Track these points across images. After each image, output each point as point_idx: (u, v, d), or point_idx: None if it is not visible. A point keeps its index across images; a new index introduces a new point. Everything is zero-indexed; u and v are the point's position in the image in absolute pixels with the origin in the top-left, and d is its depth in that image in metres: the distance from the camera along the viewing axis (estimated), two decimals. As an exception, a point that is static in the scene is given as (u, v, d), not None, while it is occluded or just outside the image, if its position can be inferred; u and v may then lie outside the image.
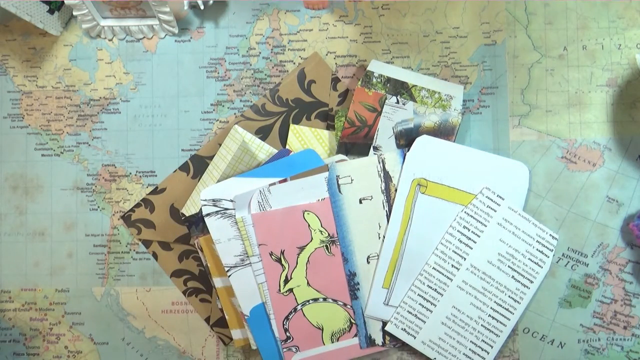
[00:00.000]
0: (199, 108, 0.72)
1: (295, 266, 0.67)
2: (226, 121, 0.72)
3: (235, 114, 0.72)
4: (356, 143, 0.68)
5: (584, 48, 0.70)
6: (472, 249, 0.67)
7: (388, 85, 0.68)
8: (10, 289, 0.73)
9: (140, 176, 0.73)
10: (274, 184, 0.66)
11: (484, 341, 0.67)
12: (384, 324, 0.68)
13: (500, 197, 0.67)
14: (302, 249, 0.67)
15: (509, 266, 0.67)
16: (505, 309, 0.67)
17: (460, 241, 0.67)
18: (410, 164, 0.67)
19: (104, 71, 0.73)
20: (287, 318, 0.67)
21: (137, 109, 0.73)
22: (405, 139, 0.68)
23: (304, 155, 0.67)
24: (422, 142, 0.67)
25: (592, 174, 0.69)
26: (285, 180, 0.66)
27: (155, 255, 0.72)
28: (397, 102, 0.68)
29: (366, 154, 0.68)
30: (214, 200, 0.66)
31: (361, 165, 0.67)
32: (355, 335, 0.68)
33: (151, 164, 0.73)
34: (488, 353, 0.67)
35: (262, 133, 0.71)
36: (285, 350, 0.67)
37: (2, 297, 0.73)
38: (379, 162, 0.67)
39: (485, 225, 0.67)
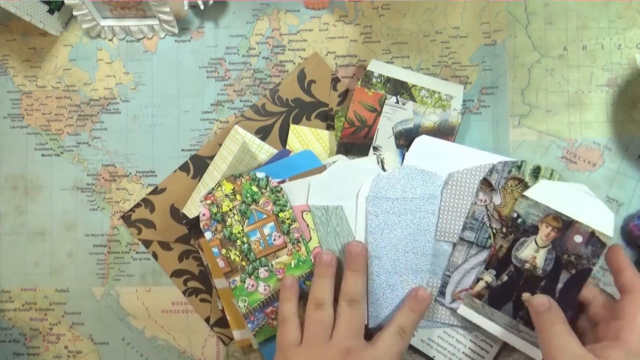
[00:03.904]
0: (199, 108, 0.72)
1: (295, 266, 0.67)
2: (226, 121, 0.72)
3: (235, 114, 0.72)
4: (356, 143, 0.68)
5: (584, 48, 0.70)
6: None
7: (388, 85, 0.68)
8: (10, 289, 0.73)
9: (140, 176, 0.73)
10: (273, 184, 0.66)
11: (483, 340, 0.67)
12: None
13: (500, 197, 0.67)
14: (302, 249, 0.67)
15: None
16: (505, 309, 0.67)
17: (460, 241, 0.67)
18: (409, 164, 0.67)
19: (104, 71, 0.73)
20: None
21: (137, 109, 0.73)
22: (405, 139, 0.68)
23: (302, 156, 0.67)
24: (421, 142, 0.67)
25: (592, 174, 0.69)
26: (283, 181, 0.66)
27: (155, 255, 0.72)
28: (397, 102, 0.68)
29: (366, 154, 0.68)
30: (213, 201, 0.66)
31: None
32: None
33: (151, 164, 0.73)
34: (488, 352, 0.67)
35: (262, 133, 0.71)
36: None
37: (2, 297, 0.73)
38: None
39: (485, 226, 0.67)
